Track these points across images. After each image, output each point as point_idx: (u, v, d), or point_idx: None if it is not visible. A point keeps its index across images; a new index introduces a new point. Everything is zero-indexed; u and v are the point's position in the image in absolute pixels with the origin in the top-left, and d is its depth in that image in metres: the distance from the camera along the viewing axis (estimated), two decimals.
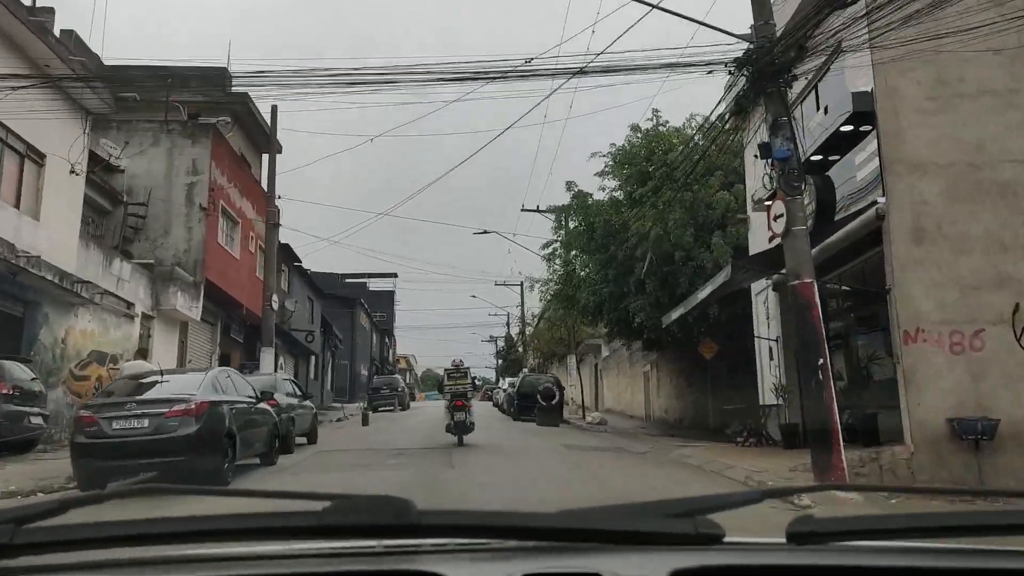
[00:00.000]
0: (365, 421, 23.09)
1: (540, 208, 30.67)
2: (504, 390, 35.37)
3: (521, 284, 53.00)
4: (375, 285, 74.74)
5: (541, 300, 27.58)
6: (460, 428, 14.43)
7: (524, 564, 1.08)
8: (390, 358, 71.73)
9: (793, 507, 5.69)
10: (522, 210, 31.21)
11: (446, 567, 1.09)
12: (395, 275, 74.47)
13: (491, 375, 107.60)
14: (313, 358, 37.15)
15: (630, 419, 27.44)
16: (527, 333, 52.10)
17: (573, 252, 21.49)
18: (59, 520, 1.04)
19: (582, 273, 21.68)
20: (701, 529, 1.07)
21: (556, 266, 24.60)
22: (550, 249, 23.81)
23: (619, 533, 1.08)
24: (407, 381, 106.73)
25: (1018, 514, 1.09)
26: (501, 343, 72.90)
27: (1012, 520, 1.12)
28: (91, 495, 1.13)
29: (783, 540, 1.11)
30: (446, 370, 16.19)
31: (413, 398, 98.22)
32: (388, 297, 72.15)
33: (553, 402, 23.82)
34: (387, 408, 34.96)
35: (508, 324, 72.49)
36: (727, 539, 1.10)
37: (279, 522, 1.03)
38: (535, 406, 24.37)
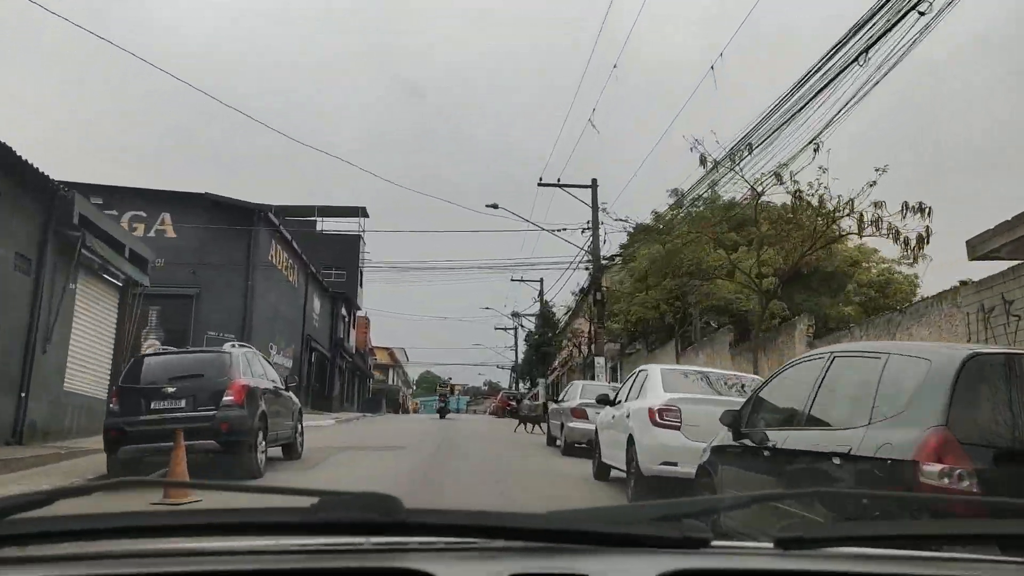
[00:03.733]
0: None
1: None
2: (624, 417, 8.36)
3: (593, 183, 26.31)
4: (330, 226, 47.80)
5: None
6: (443, 411, 36.27)
7: (512, 564, 1.07)
8: (349, 341, 44.55)
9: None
10: None
11: (434, 565, 1.06)
12: (363, 212, 47.75)
13: (499, 376, 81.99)
14: None
15: None
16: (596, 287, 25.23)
17: None
18: (45, 512, 1.04)
19: None
20: (688, 532, 1.08)
21: None
22: None
23: (606, 535, 1.09)
24: (392, 382, 79.66)
25: (1004, 524, 1.15)
26: (529, 323, 45.78)
27: (998, 530, 1.18)
28: (78, 487, 1.20)
29: (771, 545, 1.14)
30: (439, 384, 49.76)
31: (405, 409, 71.10)
32: (350, 246, 45.20)
33: None
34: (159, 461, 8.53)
35: (541, 294, 45.62)
36: (715, 543, 1.11)
37: (267, 518, 1.04)
38: None
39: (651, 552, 1.09)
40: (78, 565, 1.07)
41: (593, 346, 25.95)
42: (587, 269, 25.42)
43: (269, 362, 14.89)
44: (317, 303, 36.83)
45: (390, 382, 76.79)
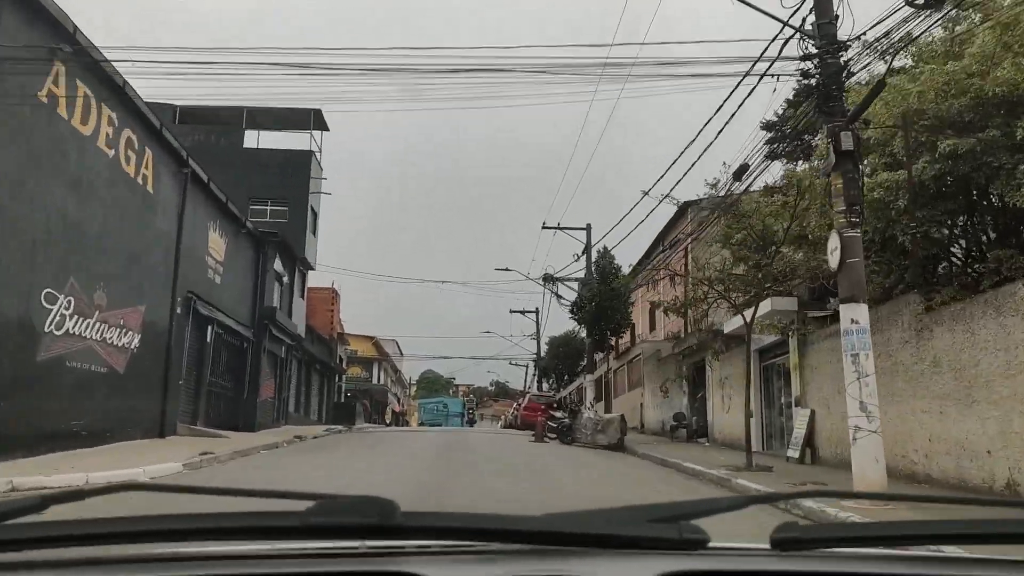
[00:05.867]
0: None
1: None
2: None
3: None
4: (268, 139, 31.95)
5: None
6: (470, 423, 63.48)
7: (508, 567, 1.06)
8: (292, 316, 28.45)
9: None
10: None
11: (429, 568, 1.06)
12: (318, 119, 32.01)
13: (509, 374, 68.24)
14: None
15: None
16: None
17: None
18: (39, 517, 1.03)
19: None
20: (685, 534, 1.06)
21: None
22: None
23: (602, 537, 1.07)
24: (378, 381, 63.11)
25: (1001, 523, 1.09)
26: (570, 290, 29.96)
27: (996, 529, 1.13)
28: (72, 492, 1.13)
29: (767, 546, 1.11)
30: (467, 400, 72.43)
31: (397, 418, 59.18)
32: (296, 168, 29.45)
33: None
34: None
35: (588, 246, 30.01)
36: (712, 544, 1.09)
37: (262, 522, 1.02)
38: None
39: (648, 554, 1.07)
40: (73, 570, 1.07)
41: (835, 270, 10.03)
42: (810, 70, 9.58)
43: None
44: (218, 239, 21.06)
45: (375, 381, 60.80)
